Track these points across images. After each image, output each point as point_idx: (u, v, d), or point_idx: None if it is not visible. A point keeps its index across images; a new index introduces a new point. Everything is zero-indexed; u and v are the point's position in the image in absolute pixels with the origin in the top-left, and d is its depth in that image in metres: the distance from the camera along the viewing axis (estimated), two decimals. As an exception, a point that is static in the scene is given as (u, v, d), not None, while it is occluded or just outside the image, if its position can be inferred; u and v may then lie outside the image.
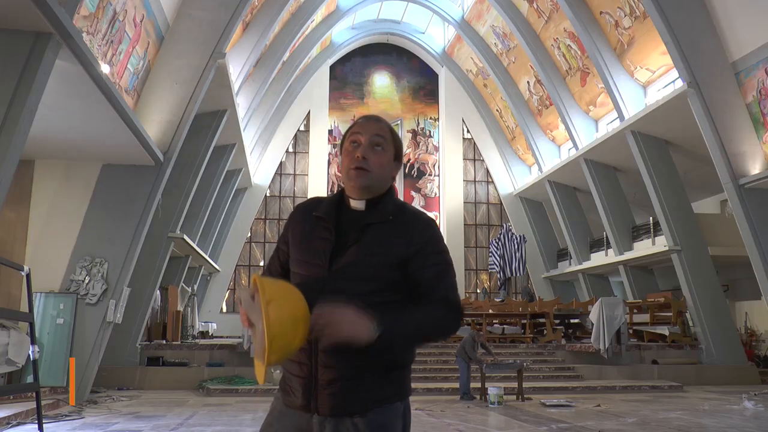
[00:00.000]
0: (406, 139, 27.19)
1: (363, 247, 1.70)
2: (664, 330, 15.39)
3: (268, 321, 1.50)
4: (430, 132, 27.54)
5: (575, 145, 19.90)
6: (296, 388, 1.72)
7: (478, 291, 25.39)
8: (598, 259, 19.91)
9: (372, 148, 1.76)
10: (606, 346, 13.83)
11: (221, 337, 18.93)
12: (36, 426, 6.35)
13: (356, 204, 1.79)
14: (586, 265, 20.54)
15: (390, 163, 1.80)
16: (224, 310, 23.76)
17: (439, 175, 26.95)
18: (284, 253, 1.86)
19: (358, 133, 1.78)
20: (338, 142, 26.58)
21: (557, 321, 16.53)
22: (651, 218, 17.08)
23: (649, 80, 17.28)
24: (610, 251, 18.87)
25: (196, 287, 19.29)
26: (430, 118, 27.61)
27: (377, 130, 1.78)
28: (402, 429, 1.75)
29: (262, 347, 1.52)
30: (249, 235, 24.89)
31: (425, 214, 1.85)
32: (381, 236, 1.72)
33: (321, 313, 1.54)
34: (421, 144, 27.38)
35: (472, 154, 26.95)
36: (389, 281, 1.70)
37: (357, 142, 1.77)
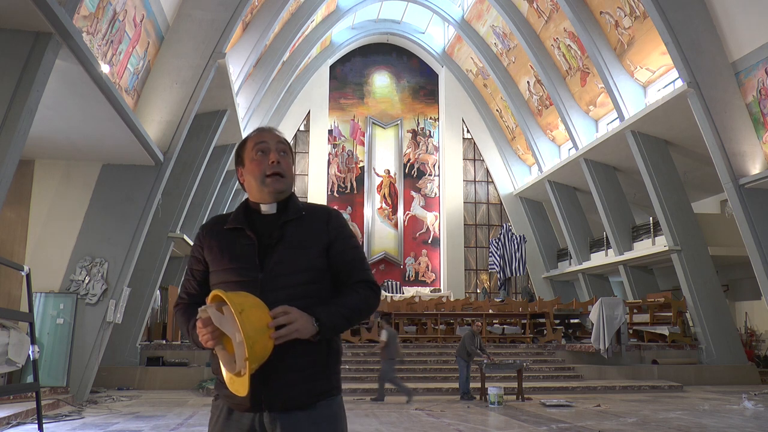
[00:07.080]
0: (406, 139, 27.21)
1: (290, 241, 1.80)
2: (664, 330, 15.38)
3: (245, 329, 1.55)
4: (430, 132, 27.54)
5: (575, 145, 19.90)
6: None
7: (478, 291, 25.39)
8: (598, 259, 19.90)
9: (280, 154, 1.86)
10: (606, 346, 13.83)
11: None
12: (36, 426, 6.35)
13: (267, 208, 1.87)
14: (586, 265, 20.53)
15: (292, 167, 1.93)
16: (224, 310, 23.72)
17: (439, 175, 26.95)
18: (199, 272, 1.90)
19: (263, 142, 1.85)
20: (337, 142, 26.63)
21: (557, 321, 16.53)
22: (651, 218, 17.08)
23: (649, 80, 17.29)
24: (610, 251, 18.87)
25: (196, 287, 19.25)
26: (430, 118, 27.60)
27: (279, 138, 1.89)
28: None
29: (242, 356, 1.57)
30: (249, 234, 24.87)
31: (329, 206, 2.00)
32: (302, 230, 1.83)
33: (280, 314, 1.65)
34: (421, 144, 27.37)
35: (472, 154, 26.95)
36: (318, 269, 1.81)
37: (265, 150, 1.85)
